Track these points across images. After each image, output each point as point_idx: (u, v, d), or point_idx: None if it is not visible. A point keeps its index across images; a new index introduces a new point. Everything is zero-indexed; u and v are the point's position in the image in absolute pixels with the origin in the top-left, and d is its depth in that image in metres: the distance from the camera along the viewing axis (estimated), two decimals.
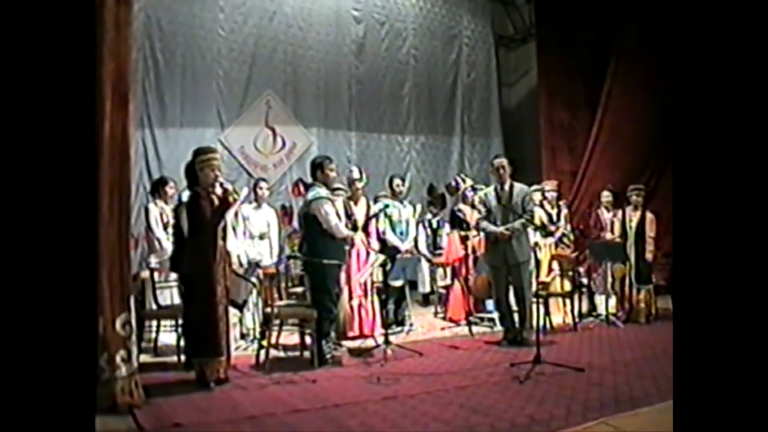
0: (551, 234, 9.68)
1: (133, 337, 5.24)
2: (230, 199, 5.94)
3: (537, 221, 9.72)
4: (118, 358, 5.03)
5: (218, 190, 6.01)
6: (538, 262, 9.21)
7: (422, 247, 9.64)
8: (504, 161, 8.14)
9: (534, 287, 8.12)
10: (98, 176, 4.84)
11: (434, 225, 9.99)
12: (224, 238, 6.25)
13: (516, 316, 7.90)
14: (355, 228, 7.48)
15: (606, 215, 9.68)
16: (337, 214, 6.95)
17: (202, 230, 5.91)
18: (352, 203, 8.12)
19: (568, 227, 10.06)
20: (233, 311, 7.41)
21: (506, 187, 7.95)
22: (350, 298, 7.98)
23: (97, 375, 4.85)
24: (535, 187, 10.32)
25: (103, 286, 4.95)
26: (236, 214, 8.01)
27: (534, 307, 7.55)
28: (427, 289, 10.27)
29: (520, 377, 5.93)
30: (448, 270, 9.52)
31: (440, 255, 9.69)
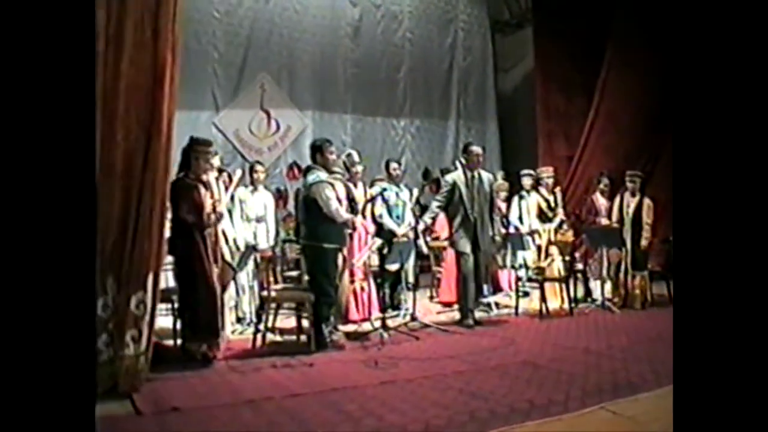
0: (550, 220, 9.72)
1: (147, 317, 5.22)
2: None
3: (535, 207, 9.78)
4: (127, 337, 5.04)
5: (211, 178, 6.44)
6: (538, 248, 9.26)
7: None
8: (480, 150, 8.40)
9: (531, 272, 8.15)
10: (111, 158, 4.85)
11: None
12: (216, 223, 6.39)
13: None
14: (354, 211, 7.46)
15: (601, 201, 9.67)
16: (338, 198, 6.92)
17: (193, 215, 6.11)
18: (352, 186, 8.09)
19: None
20: (231, 294, 7.41)
21: (476, 173, 8.15)
22: (351, 281, 7.96)
23: (96, 355, 4.81)
24: (527, 171, 10.36)
25: (112, 263, 4.97)
26: (232, 198, 7.95)
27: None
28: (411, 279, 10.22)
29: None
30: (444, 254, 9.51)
31: (436, 239, 9.70)
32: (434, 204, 8.21)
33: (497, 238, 8.42)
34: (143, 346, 5.17)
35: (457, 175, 8.17)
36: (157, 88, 5.16)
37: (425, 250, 9.06)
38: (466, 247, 7.99)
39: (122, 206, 5.07)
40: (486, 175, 8.32)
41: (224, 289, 6.60)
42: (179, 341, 6.39)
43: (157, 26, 5.16)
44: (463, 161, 8.26)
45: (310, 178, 6.82)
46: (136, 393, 4.99)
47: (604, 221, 9.48)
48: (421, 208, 9.80)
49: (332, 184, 6.90)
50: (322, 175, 6.81)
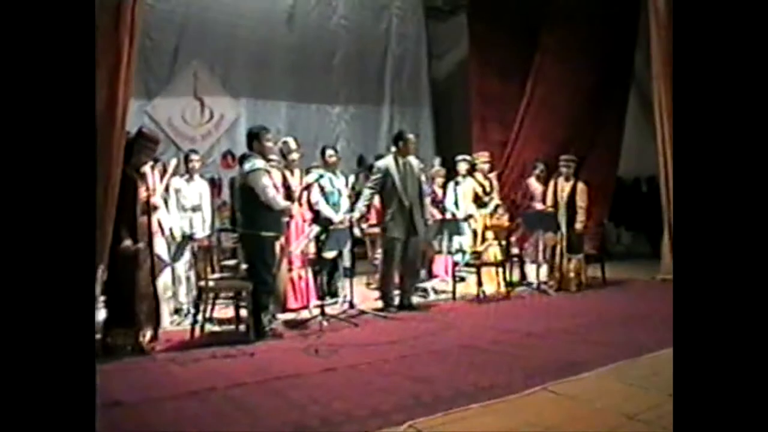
0: (485, 205, 9.81)
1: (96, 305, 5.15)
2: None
3: (470, 192, 9.85)
4: None
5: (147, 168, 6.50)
6: (474, 233, 9.34)
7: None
8: (414, 137, 8.62)
9: (468, 257, 8.23)
10: None
11: None
12: (148, 213, 6.35)
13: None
14: (291, 199, 7.40)
15: (536, 185, 9.80)
16: (274, 186, 6.85)
17: (125, 207, 6.03)
18: (288, 174, 8.04)
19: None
20: (168, 285, 7.29)
21: (408, 159, 8.25)
22: (289, 269, 7.91)
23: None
24: (463, 157, 10.42)
25: None
26: (167, 187, 7.84)
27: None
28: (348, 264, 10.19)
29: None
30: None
31: (372, 226, 9.68)
32: (367, 191, 8.21)
33: (429, 222, 8.46)
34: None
35: (388, 162, 8.21)
36: (114, 74, 5.07)
37: (359, 233, 9.04)
38: (399, 233, 8.03)
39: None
40: (415, 162, 8.39)
41: (154, 278, 6.49)
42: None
43: (119, 9, 5.05)
44: (396, 148, 8.28)
45: (247, 165, 6.73)
46: None
47: (539, 206, 9.61)
48: (357, 195, 9.77)
49: (269, 172, 6.84)
50: (259, 162, 6.72)
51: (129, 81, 5.20)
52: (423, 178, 8.63)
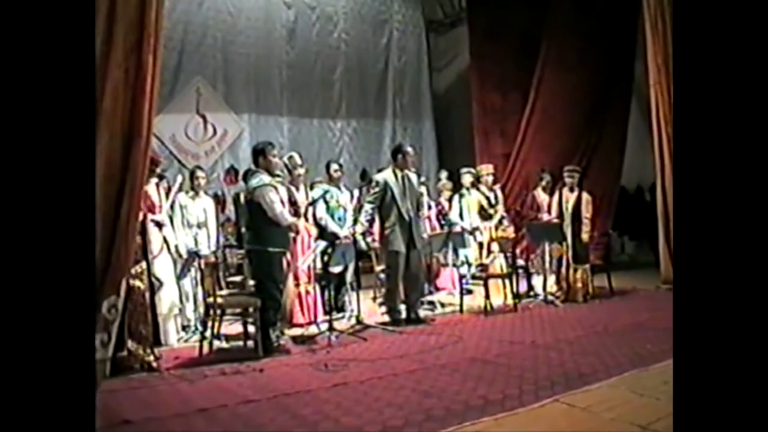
0: (490, 217, 9.82)
1: (117, 323, 5.16)
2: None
3: (475, 205, 9.86)
4: (97, 341, 4.91)
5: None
6: (480, 245, 9.33)
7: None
8: (412, 150, 8.57)
9: (473, 269, 8.23)
10: None
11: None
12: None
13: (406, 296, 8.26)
14: (297, 214, 7.41)
15: (543, 196, 9.79)
16: (281, 201, 6.87)
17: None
18: (294, 189, 8.05)
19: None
20: (175, 302, 7.29)
21: (407, 173, 8.27)
22: (296, 285, 7.91)
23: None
24: (467, 169, 10.45)
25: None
26: (173, 204, 7.84)
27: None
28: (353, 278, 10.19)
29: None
30: None
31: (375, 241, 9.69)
32: (368, 206, 8.18)
33: (425, 236, 8.46)
34: (110, 351, 5.11)
35: (387, 175, 8.22)
36: (140, 92, 5.13)
37: (364, 246, 9.04)
38: (400, 246, 8.02)
39: (103, 211, 4.98)
40: (414, 176, 8.41)
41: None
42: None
43: (142, 30, 5.15)
44: (395, 162, 8.30)
45: (253, 181, 6.74)
46: None
47: (547, 216, 9.60)
48: (361, 209, 9.79)
49: (275, 187, 6.85)
50: (265, 178, 6.75)
51: (153, 98, 5.30)
52: (423, 190, 8.65)
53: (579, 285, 9.22)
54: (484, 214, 9.92)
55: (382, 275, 9.48)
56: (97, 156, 4.83)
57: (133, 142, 5.12)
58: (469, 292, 9.58)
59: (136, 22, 5.15)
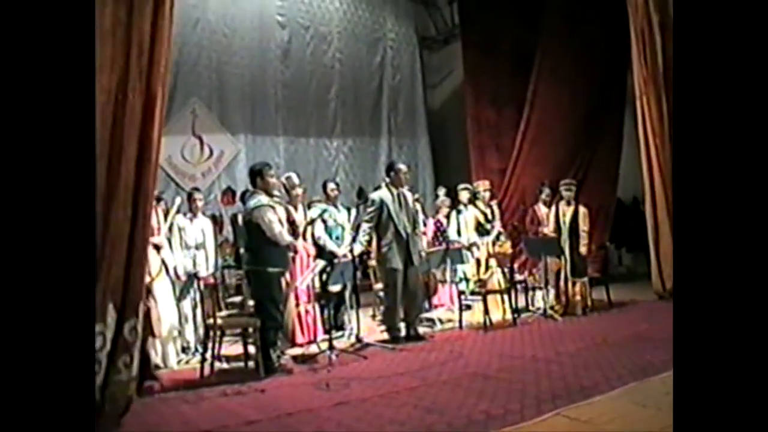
0: (488, 232, 9.84)
1: (138, 344, 5.19)
2: None
3: (472, 221, 9.88)
4: (120, 363, 4.95)
5: None
6: (477, 261, 9.35)
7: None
8: (405, 168, 8.59)
9: (471, 284, 8.24)
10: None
11: None
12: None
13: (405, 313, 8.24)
14: (295, 234, 7.43)
15: (544, 210, 9.81)
16: (279, 221, 6.88)
17: None
18: (292, 209, 8.06)
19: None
20: (174, 324, 7.29)
21: (402, 191, 8.30)
22: (296, 304, 7.91)
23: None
24: (464, 186, 10.48)
25: (110, 289, 4.91)
26: (171, 226, 7.85)
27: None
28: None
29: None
30: None
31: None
32: (365, 225, 8.19)
33: (422, 253, 8.47)
34: (134, 372, 5.12)
35: (383, 193, 8.23)
36: (149, 116, 5.20)
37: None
38: (398, 263, 8.04)
39: (121, 234, 5.03)
40: (409, 193, 8.44)
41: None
42: None
43: (152, 55, 5.21)
44: (389, 179, 8.33)
45: (252, 202, 6.77)
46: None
47: (547, 230, 9.61)
48: (359, 228, 9.79)
49: (273, 208, 6.87)
50: (264, 198, 6.77)
51: (161, 123, 5.38)
52: (419, 207, 8.67)
53: (578, 298, 9.24)
54: (482, 230, 9.95)
55: (381, 293, 9.50)
56: (118, 180, 4.97)
57: (143, 168, 5.17)
58: (468, 307, 9.57)
59: (148, 44, 5.24)
